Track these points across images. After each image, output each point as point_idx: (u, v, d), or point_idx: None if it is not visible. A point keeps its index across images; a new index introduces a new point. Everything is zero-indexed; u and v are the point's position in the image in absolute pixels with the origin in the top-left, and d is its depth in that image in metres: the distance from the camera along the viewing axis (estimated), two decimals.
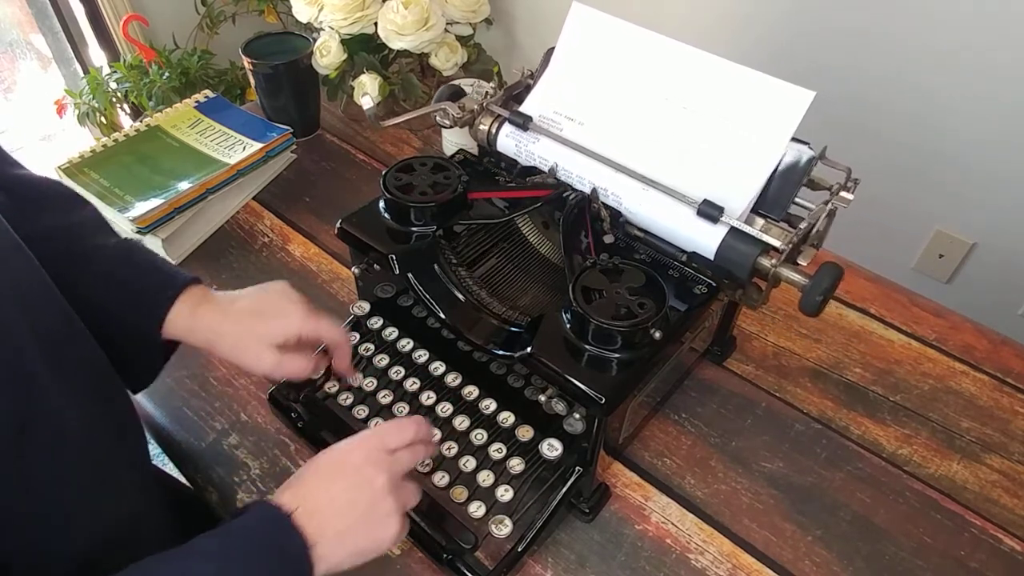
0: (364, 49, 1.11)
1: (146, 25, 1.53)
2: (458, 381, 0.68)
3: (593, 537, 0.66)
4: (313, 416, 0.72)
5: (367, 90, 1.08)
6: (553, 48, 0.76)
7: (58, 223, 0.61)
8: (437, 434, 0.64)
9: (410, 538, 0.64)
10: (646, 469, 0.72)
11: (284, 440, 0.73)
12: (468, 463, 0.63)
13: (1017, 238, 1.23)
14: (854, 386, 0.79)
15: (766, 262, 0.63)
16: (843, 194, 0.64)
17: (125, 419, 0.59)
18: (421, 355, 0.70)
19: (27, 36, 1.64)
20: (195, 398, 0.77)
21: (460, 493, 0.62)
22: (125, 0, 1.54)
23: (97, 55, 1.63)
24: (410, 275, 0.66)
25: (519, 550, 0.62)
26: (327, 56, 1.07)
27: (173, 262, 0.92)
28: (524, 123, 0.74)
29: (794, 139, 0.65)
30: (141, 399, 0.77)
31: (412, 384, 0.69)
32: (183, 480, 0.75)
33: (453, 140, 1.03)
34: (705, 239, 0.65)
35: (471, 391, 0.67)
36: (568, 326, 0.60)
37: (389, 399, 0.68)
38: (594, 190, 0.70)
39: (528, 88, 0.78)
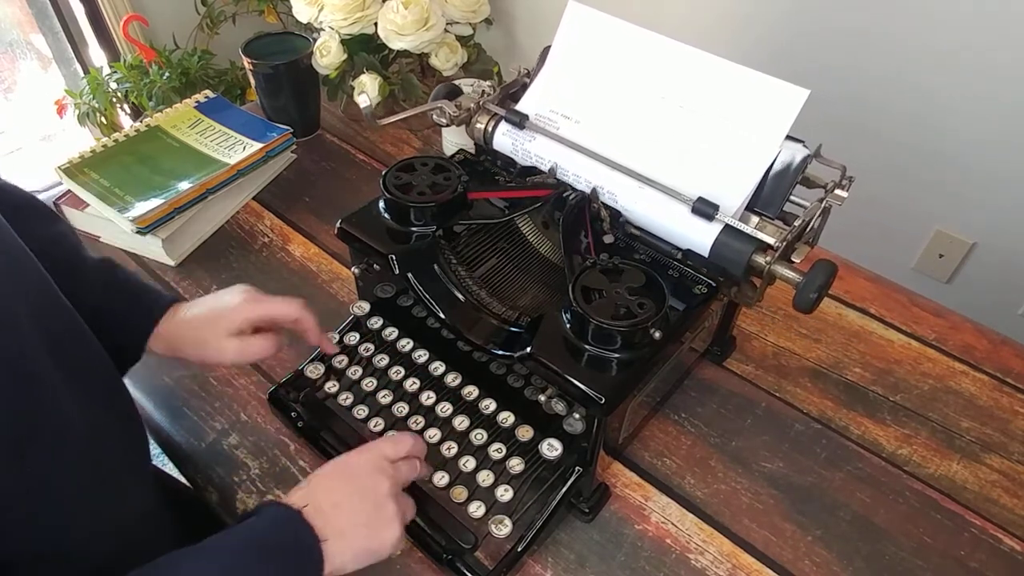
0: (364, 49, 1.11)
1: (146, 25, 1.53)
2: (458, 381, 0.68)
3: (593, 537, 0.66)
4: (313, 416, 0.72)
5: (365, 89, 1.08)
6: (549, 47, 0.76)
7: (45, 232, 0.64)
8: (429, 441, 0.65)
9: (410, 538, 0.65)
10: (646, 469, 0.72)
11: (284, 440, 0.73)
12: (468, 463, 0.63)
13: (1017, 238, 1.23)
14: (854, 386, 0.79)
15: (760, 259, 0.63)
16: (837, 192, 0.64)
17: (128, 419, 0.59)
18: (421, 355, 0.70)
19: (27, 36, 1.64)
20: (195, 398, 0.77)
21: (460, 493, 0.62)
22: (125, 0, 1.54)
23: (97, 55, 1.63)
24: (410, 275, 0.66)
25: (519, 550, 0.62)
26: (327, 56, 1.07)
27: (173, 263, 0.92)
28: (520, 121, 0.74)
29: (789, 137, 0.65)
30: (141, 399, 0.77)
31: (412, 384, 0.69)
32: (183, 480, 0.75)
33: (453, 140, 1.03)
34: (700, 237, 0.65)
35: (471, 391, 0.67)
36: (568, 326, 0.60)
37: (389, 399, 0.68)
38: (594, 190, 0.70)
39: (525, 87, 0.78)
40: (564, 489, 0.64)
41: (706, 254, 0.65)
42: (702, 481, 0.71)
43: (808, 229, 0.64)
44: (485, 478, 0.62)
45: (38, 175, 0.65)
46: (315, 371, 0.71)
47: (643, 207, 0.68)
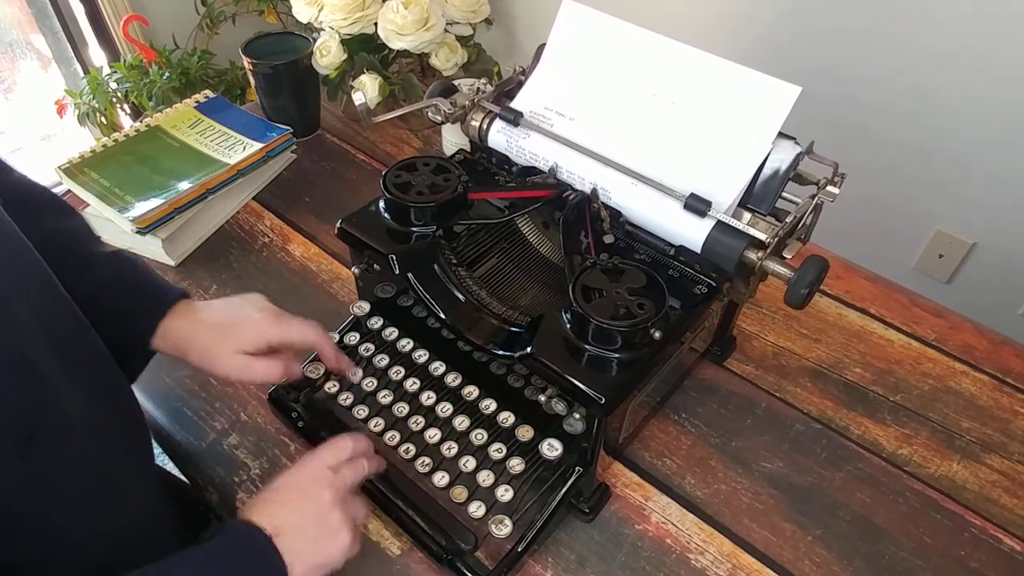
0: (364, 49, 1.11)
1: (146, 25, 1.53)
2: (458, 381, 0.68)
3: (593, 537, 0.66)
4: (313, 416, 0.72)
5: (361, 87, 1.08)
6: (544, 44, 0.77)
7: (57, 227, 0.63)
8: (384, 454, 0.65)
9: (410, 538, 0.65)
10: (646, 469, 0.72)
11: (284, 440, 0.73)
12: (468, 463, 0.63)
13: (1017, 238, 1.23)
14: (854, 386, 0.79)
15: (752, 255, 0.63)
16: (829, 188, 0.64)
17: (131, 420, 0.59)
18: (421, 355, 0.70)
19: (27, 36, 1.64)
20: (195, 398, 0.77)
21: (460, 493, 0.62)
22: (125, 0, 1.54)
23: (97, 55, 1.63)
24: (410, 275, 0.66)
25: (519, 550, 0.62)
26: (327, 56, 1.07)
27: (173, 263, 0.92)
28: (515, 119, 0.74)
29: (781, 134, 0.65)
30: (141, 399, 0.77)
31: (412, 384, 0.69)
32: (184, 479, 0.75)
33: (453, 140, 1.03)
34: (692, 233, 0.65)
35: (471, 391, 0.67)
36: (568, 326, 0.60)
37: (389, 399, 0.68)
38: (594, 190, 0.70)
39: (520, 84, 0.78)
40: (564, 489, 0.64)
41: (699, 250, 0.65)
42: (702, 481, 0.71)
43: (800, 225, 0.65)
44: (485, 478, 0.62)
45: (38, 175, 0.65)
46: (315, 371, 0.71)
47: (636, 204, 0.68)
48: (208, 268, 0.92)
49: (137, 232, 0.87)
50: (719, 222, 0.64)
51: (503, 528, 0.59)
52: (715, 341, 0.80)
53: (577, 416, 0.61)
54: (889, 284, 0.90)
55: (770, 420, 0.76)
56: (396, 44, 1.07)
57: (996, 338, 0.84)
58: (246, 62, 1.04)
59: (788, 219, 0.63)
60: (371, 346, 0.73)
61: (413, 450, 0.65)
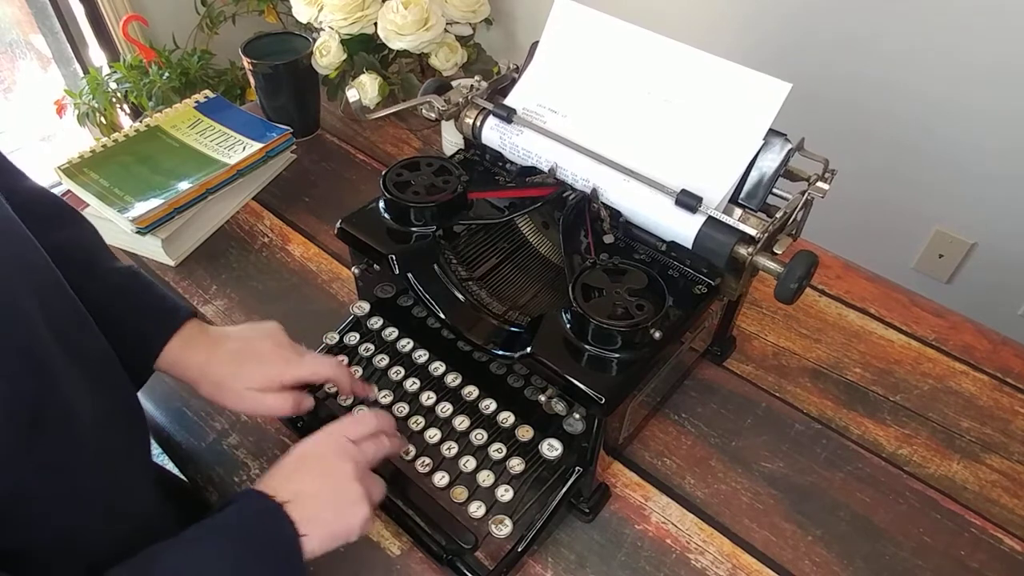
0: (364, 49, 1.11)
1: (146, 25, 1.53)
2: (458, 381, 0.68)
3: (593, 537, 0.66)
4: (313, 416, 0.72)
5: (361, 87, 1.08)
6: (538, 42, 0.77)
7: (69, 237, 0.63)
8: (410, 439, 0.65)
9: (410, 538, 0.65)
10: (646, 469, 0.72)
11: (284, 440, 0.73)
12: (468, 463, 0.63)
13: (1017, 238, 1.23)
14: (854, 386, 0.79)
15: (743, 251, 0.63)
16: (819, 184, 0.65)
17: (131, 412, 0.59)
18: (421, 355, 0.70)
19: (27, 36, 1.64)
20: (195, 398, 0.77)
21: (460, 493, 0.62)
22: (125, 0, 1.54)
23: (97, 55, 1.63)
24: (410, 275, 0.66)
25: (519, 550, 0.62)
26: (327, 56, 1.07)
27: (173, 263, 0.92)
28: (508, 116, 0.74)
29: (772, 130, 0.65)
30: (141, 399, 0.76)
31: (412, 384, 0.69)
32: (183, 477, 0.75)
33: (453, 140, 1.03)
34: (684, 229, 0.66)
35: (471, 391, 0.67)
36: (568, 326, 0.60)
37: (389, 399, 0.68)
38: (594, 190, 0.70)
39: (514, 82, 0.78)
40: (564, 489, 0.64)
41: (690, 245, 0.66)
42: (702, 481, 0.71)
43: (790, 221, 0.65)
44: (485, 478, 0.62)
45: (38, 175, 0.65)
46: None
47: (628, 200, 0.69)
48: (208, 268, 0.92)
49: (137, 232, 0.87)
50: (710, 218, 0.64)
51: (503, 528, 0.59)
52: (715, 341, 0.80)
53: (577, 416, 0.61)
54: (889, 284, 0.90)
55: (770, 420, 0.76)
56: (396, 44, 1.07)
57: (996, 338, 0.84)
58: (246, 62, 1.04)
59: (778, 215, 0.64)
60: (371, 346, 0.73)
61: (413, 450, 0.65)
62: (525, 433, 0.63)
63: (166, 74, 1.44)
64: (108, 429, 0.53)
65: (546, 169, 0.73)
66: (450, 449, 0.64)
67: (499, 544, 0.63)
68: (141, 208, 0.87)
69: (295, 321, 0.69)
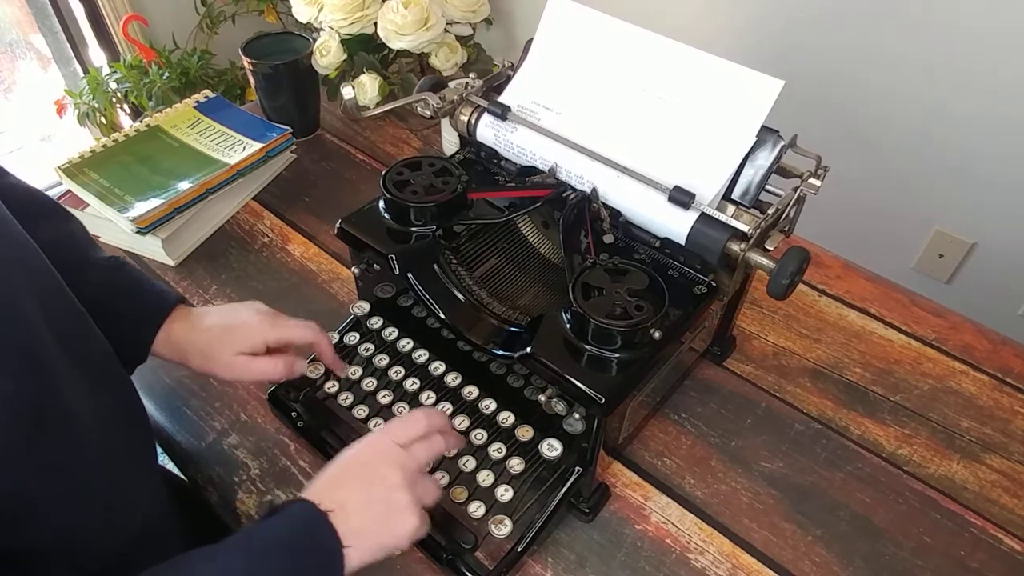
0: (364, 49, 1.10)
1: (146, 25, 1.53)
2: (458, 381, 0.68)
3: (593, 537, 0.66)
4: (313, 416, 0.72)
5: (359, 85, 1.08)
6: (532, 39, 0.77)
7: (55, 233, 0.64)
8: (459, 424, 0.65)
9: None
10: (646, 469, 0.72)
11: (284, 440, 0.73)
12: (468, 463, 0.63)
13: (1017, 238, 1.23)
14: (854, 386, 0.79)
15: (735, 247, 0.63)
16: (812, 180, 0.65)
17: (133, 413, 0.59)
18: (421, 355, 0.70)
19: (27, 36, 1.64)
20: (195, 398, 0.77)
21: (460, 493, 0.62)
22: (125, 0, 1.54)
23: (97, 55, 1.63)
24: (410, 275, 0.66)
25: (519, 550, 0.62)
26: (327, 56, 1.07)
27: (173, 263, 0.92)
28: (503, 113, 0.74)
29: (765, 127, 0.65)
30: (141, 398, 0.77)
31: (412, 384, 0.69)
32: (183, 477, 0.75)
33: (453, 140, 1.03)
34: (677, 225, 0.66)
35: (471, 391, 0.67)
36: (568, 326, 0.60)
37: (389, 399, 0.68)
38: (594, 190, 0.70)
39: (508, 79, 0.78)
40: (564, 489, 0.64)
41: (683, 242, 0.66)
42: (702, 481, 0.71)
43: (783, 218, 0.65)
44: (485, 478, 0.62)
45: (38, 175, 0.65)
46: (315, 371, 0.71)
47: (622, 196, 0.69)
48: (208, 268, 0.92)
49: (137, 232, 0.87)
50: (703, 214, 0.64)
51: (503, 528, 0.59)
52: (715, 341, 0.80)
53: (577, 416, 0.61)
54: (889, 284, 0.90)
55: (770, 420, 0.76)
56: (396, 44, 1.07)
57: (996, 338, 0.84)
58: (246, 62, 1.04)
59: (770, 211, 0.64)
60: (371, 346, 0.73)
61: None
62: (525, 433, 0.63)
63: (166, 74, 1.44)
64: (109, 429, 0.54)
65: (542, 166, 0.73)
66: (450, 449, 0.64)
67: (499, 544, 0.63)
68: (141, 208, 0.87)
69: None
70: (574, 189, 0.71)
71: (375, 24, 1.08)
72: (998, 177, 1.20)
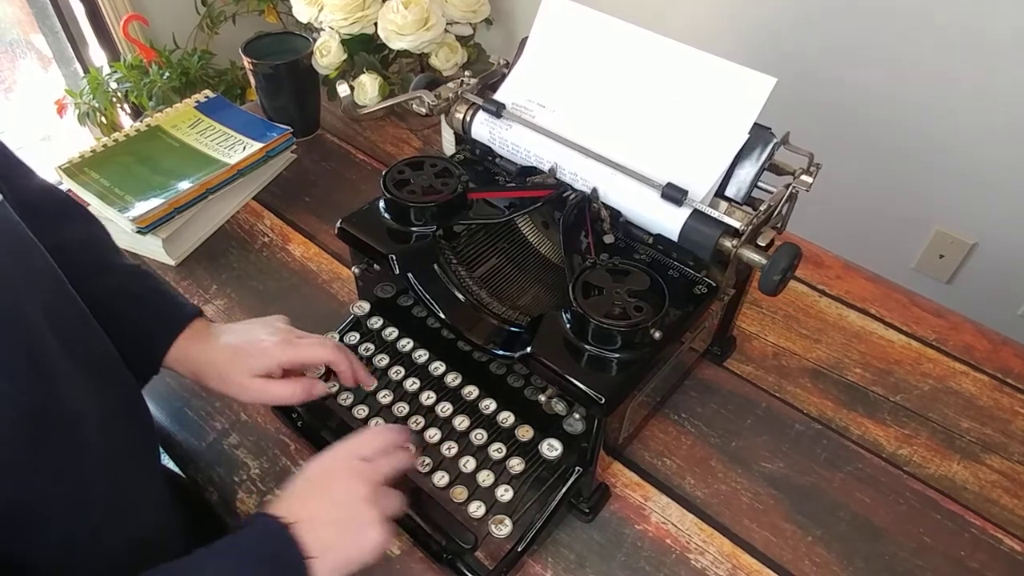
0: (364, 49, 1.11)
1: (146, 25, 1.53)
2: (458, 381, 0.68)
3: (593, 537, 0.66)
4: (313, 416, 0.72)
5: (359, 85, 1.08)
6: (527, 37, 0.77)
7: (77, 235, 0.63)
8: (417, 447, 0.64)
9: (410, 538, 0.65)
10: (646, 469, 0.72)
11: (284, 440, 0.73)
12: (468, 463, 0.63)
13: (1017, 238, 1.23)
14: (854, 386, 0.79)
15: (728, 243, 0.63)
16: (803, 177, 0.65)
17: (136, 414, 0.59)
18: (421, 355, 0.70)
19: (27, 36, 1.64)
20: (195, 398, 0.77)
21: (460, 493, 0.62)
22: (125, 0, 1.54)
23: (97, 55, 1.63)
24: (410, 275, 0.66)
25: (519, 550, 0.62)
26: (327, 56, 1.07)
27: (173, 263, 0.92)
28: (497, 110, 0.74)
29: (758, 124, 0.65)
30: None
31: (412, 384, 0.69)
32: (183, 476, 0.75)
33: (453, 140, 1.03)
34: (669, 222, 0.66)
35: (471, 391, 0.67)
36: (568, 326, 0.60)
37: (389, 399, 0.68)
38: (594, 190, 0.70)
39: (504, 77, 0.78)
40: (564, 489, 0.64)
41: (675, 238, 0.66)
42: (702, 481, 0.71)
43: (775, 214, 0.65)
44: (485, 478, 0.62)
45: (39, 175, 0.66)
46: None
47: (616, 193, 0.69)
48: (208, 268, 0.92)
49: (137, 232, 0.87)
50: (695, 211, 0.65)
51: (503, 528, 0.59)
52: (715, 341, 0.80)
53: (577, 416, 0.61)
54: (889, 284, 0.90)
55: (770, 420, 0.76)
56: (396, 44, 1.07)
57: (996, 338, 0.84)
58: (246, 62, 1.04)
59: (762, 207, 0.64)
60: (371, 346, 0.73)
61: (413, 450, 0.65)
62: (525, 433, 0.63)
63: (166, 74, 1.44)
64: (113, 431, 0.53)
65: (536, 163, 0.73)
66: (450, 449, 0.64)
67: (499, 544, 0.63)
68: (141, 208, 0.87)
69: (295, 321, 0.69)
70: (574, 189, 0.71)
71: (375, 24, 1.08)
72: (998, 177, 1.19)
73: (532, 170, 0.74)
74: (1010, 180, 1.19)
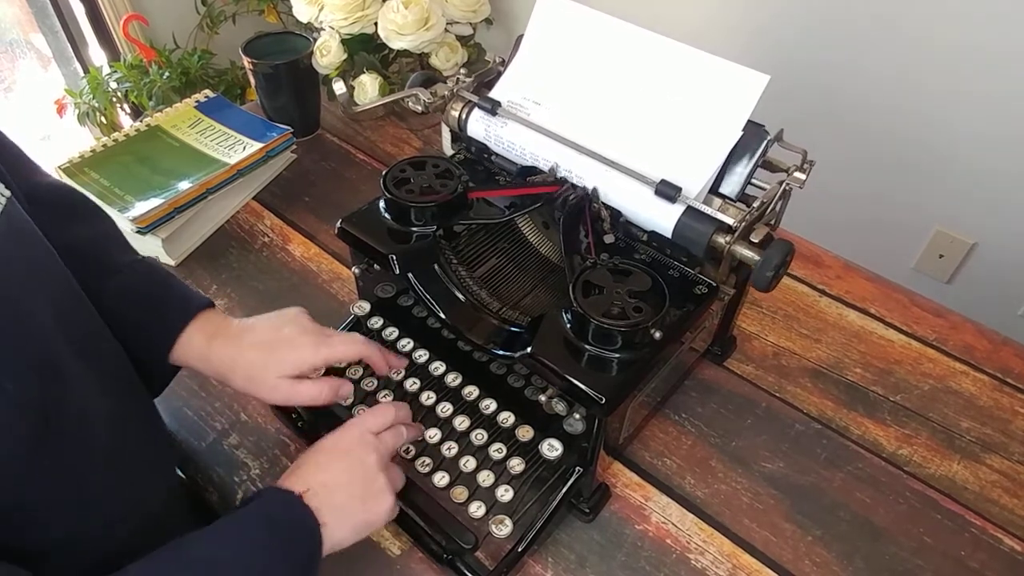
0: (364, 49, 1.10)
1: (146, 25, 1.53)
2: (458, 381, 0.68)
3: (593, 537, 0.66)
4: (313, 416, 0.72)
5: (359, 85, 1.08)
6: (523, 35, 0.77)
7: (87, 233, 0.63)
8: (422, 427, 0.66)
9: (410, 538, 0.65)
10: (646, 469, 0.72)
11: (284, 440, 0.73)
12: (468, 463, 0.63)
13: (1017, 238, 1.23)
14: (854, 386, 0.79)
15: (721, 240, 0.63)
16: (797, 174, 0.65)
17: (145, 413, 0.60)
18: (421, 355, 0.70)
19: (27, 35, 1.64)
20: (195, 398, 0.77)
21: (460, 493, 0.62)
22: (125, 0, 1.54)
23: (97, 55, 1.63)
24: (410, 275, 0.66)
25: (519, 550, 0.62)
26: (327, 56, 1.07)
27: (173, 263, 0.92)
28: (493, 108, 0.75)
29: (751, 122, 0.66)
30: None
31: (412, 384, 0.69)
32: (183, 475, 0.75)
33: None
34: (663, 218, 0.66)
35: (471, 391, 0.67)
36: (568, 326, 0.60)
37: (389, 399, 0.68)
38: (594, 189, 0.70)
39: (499, 75, 0.79)
40: (564, 489, 0.64)
41: (669, 235, 0.66)
42: (702, 481, 0.71)
43: (769, 211, 0.65)
44: (485, 478, 0.62)
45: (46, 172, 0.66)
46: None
47: (610, 190, 0.69)
48: (208, 268, 0.92)
49: (137, 232, 0.87)
50: (689, 207, 0.65)
51: (503, 528, 0.59)
52: (715, 341, 0.80)
53: (577, 416, 0.61)
54: (889, 284, 0.90)
55: (770, 420, 0.76)
56: (396, 44, 1.07)
57: (996, 338, 0.84)
58: (246, 62, 1.04)
59: (755, 204, 0.64)
60: None
61: (413, 450, 0.65)
62: (525, 433, 0.63)
63: (166, 74, 1.44)
64: (122, 430, 0.54)
65: (531, 161, 0.73)
66: (450, 449, 0.64)
67: (499, 544, 0.63)
68: (141, 208, 0.87)
69: None
70: (574, 188, 0.71)
71: (375, 24, 1.08)
72: (998, 177, 1.20)
73: (532, 170, 0.74)
74: (1010, 180, 1.19)
